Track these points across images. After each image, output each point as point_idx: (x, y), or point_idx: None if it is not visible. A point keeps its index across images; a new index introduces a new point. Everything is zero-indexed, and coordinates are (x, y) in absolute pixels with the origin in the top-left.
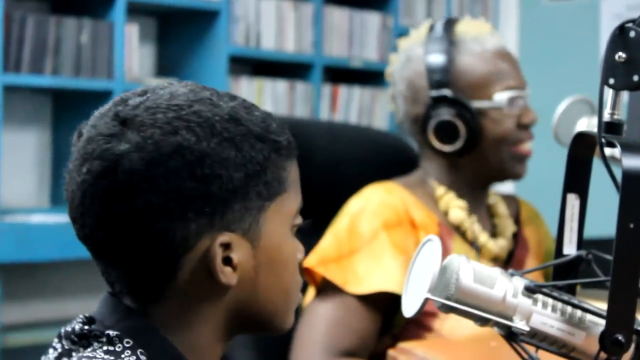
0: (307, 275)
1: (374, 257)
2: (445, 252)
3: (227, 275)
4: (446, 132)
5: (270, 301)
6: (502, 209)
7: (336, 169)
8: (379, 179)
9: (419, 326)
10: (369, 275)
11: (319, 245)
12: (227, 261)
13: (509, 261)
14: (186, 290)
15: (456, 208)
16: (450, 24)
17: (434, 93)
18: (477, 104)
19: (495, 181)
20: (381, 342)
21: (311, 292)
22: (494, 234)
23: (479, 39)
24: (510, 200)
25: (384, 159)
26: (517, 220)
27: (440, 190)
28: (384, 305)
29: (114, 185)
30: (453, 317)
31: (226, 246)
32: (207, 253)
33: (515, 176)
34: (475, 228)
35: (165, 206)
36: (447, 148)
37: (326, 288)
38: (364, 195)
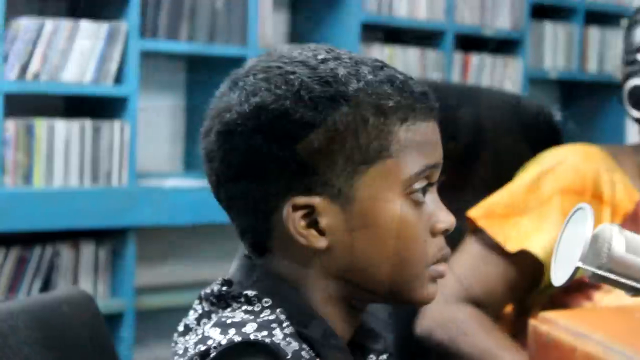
0: (469, 223)
1: (539, 221)
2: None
3: (310, 239)
4: (636, 97)
5: (375, 268)
6: None
7: (475, 131)
8: (515, 142)
9: (580, 293)
10: (526, 235)
11: (491, 197)
12: (314, 224)
13: None
14: (283, 251)
15: None
16: None
17: (629, 58)
18: None
19: None
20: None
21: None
22: None
23: None
24: None
25: (521, 122)
26: None
27: None
28: (527, 267)
29: (210, 144)
30: (616, 292)
31: (310, 209)
32: (288, 215)
33: None
34: None
35: (243, 166)
36: (637, 114)
37: (481, 234)
38: (560, 153)
